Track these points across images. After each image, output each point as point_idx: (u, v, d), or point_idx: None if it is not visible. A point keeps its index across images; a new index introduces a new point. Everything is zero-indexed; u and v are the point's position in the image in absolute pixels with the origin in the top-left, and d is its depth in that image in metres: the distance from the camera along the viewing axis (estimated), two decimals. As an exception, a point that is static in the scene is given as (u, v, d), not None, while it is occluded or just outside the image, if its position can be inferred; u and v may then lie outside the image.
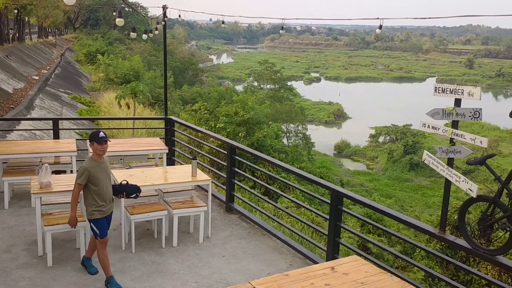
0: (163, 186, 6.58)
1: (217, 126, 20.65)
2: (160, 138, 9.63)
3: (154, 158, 9.00)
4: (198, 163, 6.85)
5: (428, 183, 38.16)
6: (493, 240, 4.09)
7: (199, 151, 10.20)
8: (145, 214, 6.10)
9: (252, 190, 8.13)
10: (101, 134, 5.00)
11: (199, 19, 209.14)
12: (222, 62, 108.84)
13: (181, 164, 9.04)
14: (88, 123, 19.10)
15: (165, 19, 9.78)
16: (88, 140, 5.35)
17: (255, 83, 56.31)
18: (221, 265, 5.78)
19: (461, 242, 4.27)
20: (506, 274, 11.57)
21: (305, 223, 7.09)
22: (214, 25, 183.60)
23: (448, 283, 4.58)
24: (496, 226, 4.01)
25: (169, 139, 9.75)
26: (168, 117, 9.87)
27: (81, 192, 5.09)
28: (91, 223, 5.09)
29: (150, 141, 9.44)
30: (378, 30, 5.08)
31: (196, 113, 23.21)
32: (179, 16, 17.29)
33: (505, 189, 3.87)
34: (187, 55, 56.93)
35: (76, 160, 8.02)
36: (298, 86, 79.29)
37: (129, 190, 5.52)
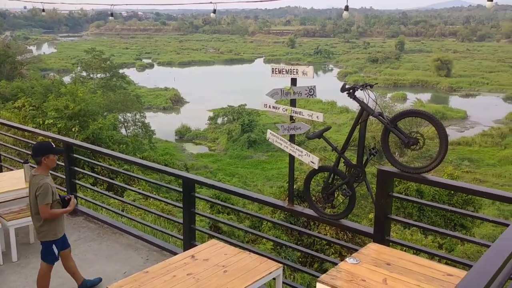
0: (-9, 197, 5.82)
1: (46, 123, 18.90)
2: (-20, 142, 8.46)
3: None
4: (31, 166, 6.17)
5: (266, 158, 40.49)
6: (336, 206, 4.46)
7: (29, 152, 9.22)
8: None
9: (95, 188, 7.66)
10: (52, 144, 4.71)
11: (11, 8, 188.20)
12: (44, 53, 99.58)
13: (11, 169, 8.07)
14: None
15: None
16: (33, 157, 4.68)
17: (84, 73, 52.95)
18: (71, 274, 5.33)
19: (309, 211, 4.58)
20: (342, 232, 12.87)
21: (156, 214, 6.93)
22: (30, 13, 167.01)
23: (293, 248, 4.90)
24: (338, 193, 4.38)
25: (-9, 143, 8.62)
26: (-15, 118, 8.70)
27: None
28: (53, 244, 4.63)
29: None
30: (212, 15, 5.12)
31: (20, 111, 20.89)
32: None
33: (342, 158, 4.23)
34: (2, 47, 50.90)
35: None
36: (131, 73, 76.73)
37: None
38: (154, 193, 14.47)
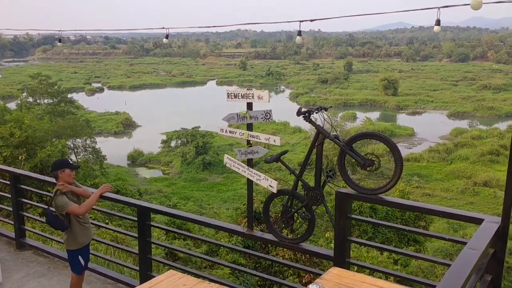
0: None
1: (-10, 152, 18.06)
2: None
3: None
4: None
5: (222, 180, 40.26)
6: (295, 229, 4.43)
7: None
8: None
9: (43, 220, 7.29)
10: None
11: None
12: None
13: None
14: None
15: None
16: (51, 171, 4.88)
17: (30, 99, 51.29)
18: (20, 313, 5.02)
19: (268, 236, 4.53)
20: (300, 253, 12.84)
21: (109, 244, 6.66)
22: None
23: (251, 274, 4.84)
24: (297, 216, 4.36)
25: None
26: None
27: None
28: (77, 254, 4.95)
29: None
30: (165, 40, 5.04)
31: (-40, 140, 19.88)
32: None
33: (300, 181, 4.23)
34: None
35: None
36: (80, 98, 75.21)
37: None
38: (107, 221, 14.01)
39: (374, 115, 67.42)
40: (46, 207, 4.89)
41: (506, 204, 3.32)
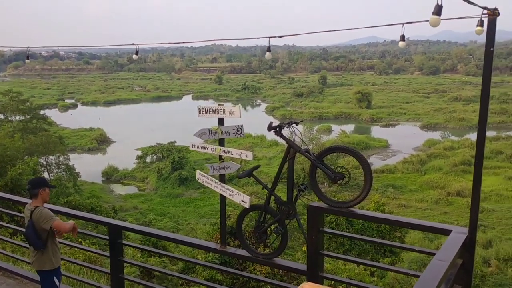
0: None
1: (-43, 171, 17.61)
2: None
3: None
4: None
5: (199, 195, 39.98)
6: (269, 244, 4.42)
7: None
8: None
9: (13, 240, 7.11)
10: None
11: None
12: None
13: None
14: None
15: None
16: (31, 189, 4.78)
17: (1, 116, 50.28)
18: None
19: (242, 251, 4.51)
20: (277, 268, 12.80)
21: (81, 264, 6.52)
22: None
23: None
24: (270, 231, 4.35)
25: None
26: None
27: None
28: (52, 274, 4.83)
29: None
30: (135, 56, 5.02)
31: None
32: None
33: (272, 196, 4.24)
34: None
35: None
36: (53, 114, 74.16)
37: None
38: (80, 240, 13.72)
39: (349, 127, 68.25)
40: (29, 220, 4.73)
41: (473, 215, 3.39)
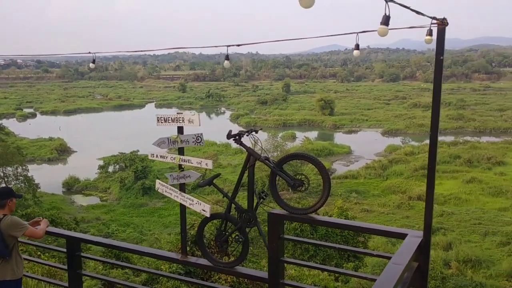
0: None
1: None
2: None
3: None
4: None
5: (163, 204, 39.43)
6: (230, 253, 4.40)
7: None
8: None
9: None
10: None
11: None
12: None
13: None
14: None
15: None
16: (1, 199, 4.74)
17: (-45, 127, 48.39)
18: None
19: (203, 261, 4.47)
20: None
21: (38, 279, 6.32)
22: None
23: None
24: (231, 239, 4.34)
25: None
26: None
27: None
28: (16, 285, 4.74)
29: None
30: (92, 65, 4.93)
31: None
32: None
33: (233, 204, 4.23)
34: None
35: None
36: (11, 124, 71.81)
37: None
38: (39, 253, 13.31)
39: (313, 134, 68.99)
40: None
41: (427, 219, 3.48)
